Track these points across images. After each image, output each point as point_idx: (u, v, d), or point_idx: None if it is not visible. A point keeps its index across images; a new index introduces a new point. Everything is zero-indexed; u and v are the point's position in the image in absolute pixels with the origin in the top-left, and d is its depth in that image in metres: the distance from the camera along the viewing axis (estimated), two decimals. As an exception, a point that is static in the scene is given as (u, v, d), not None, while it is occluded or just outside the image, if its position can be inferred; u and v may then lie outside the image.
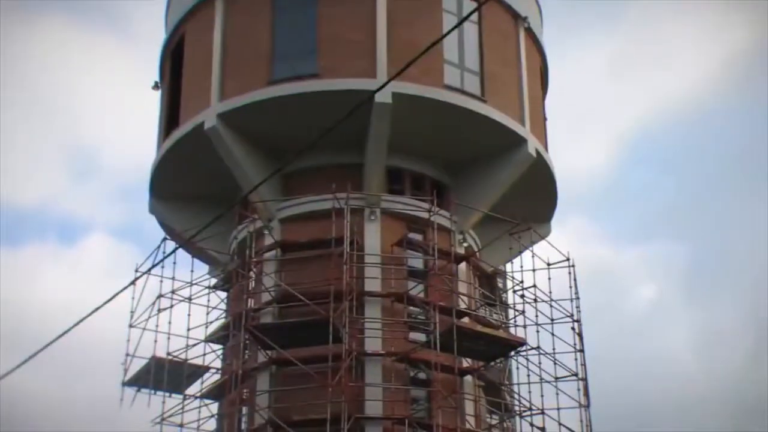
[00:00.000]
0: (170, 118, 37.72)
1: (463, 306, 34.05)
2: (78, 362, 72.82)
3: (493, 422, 35.78)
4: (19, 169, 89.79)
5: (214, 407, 35.61)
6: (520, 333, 34.54)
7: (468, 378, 33.45)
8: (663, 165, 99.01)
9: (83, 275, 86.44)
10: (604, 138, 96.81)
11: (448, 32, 34.73)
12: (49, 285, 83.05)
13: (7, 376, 16.61)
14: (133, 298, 35.07)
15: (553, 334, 34.98)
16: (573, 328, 35.47)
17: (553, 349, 34.72)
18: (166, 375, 34.72)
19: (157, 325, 34.87)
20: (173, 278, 35.58)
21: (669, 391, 73.44)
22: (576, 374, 34.55)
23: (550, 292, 35.53)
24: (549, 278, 35.75)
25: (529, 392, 33.97)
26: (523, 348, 33.89)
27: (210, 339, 35.96)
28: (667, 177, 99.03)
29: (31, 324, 71.22)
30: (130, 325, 35.11)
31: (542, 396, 33.81)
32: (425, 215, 33.93)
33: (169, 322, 34.97)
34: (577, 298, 36.00)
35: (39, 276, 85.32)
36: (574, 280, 36.02)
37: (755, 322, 75.05)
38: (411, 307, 33.27)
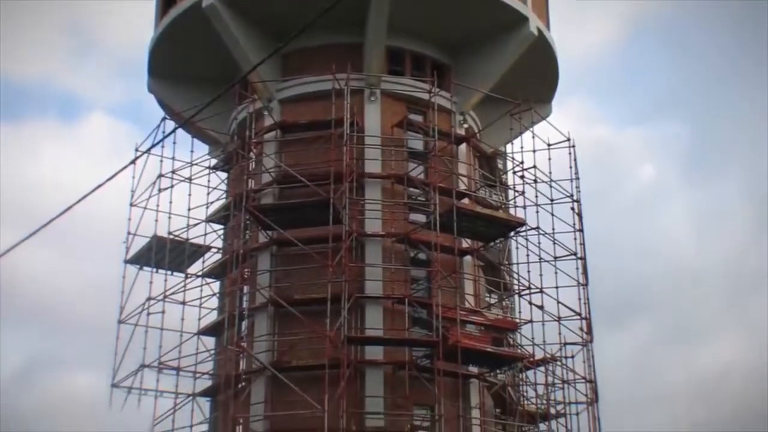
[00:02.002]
0: (168, -5, 37.18)
1: (463, 187, 34.12)
2: (80, 241, 73.39)
3: (493, 301, 36.25)
4: (19, 44, 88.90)
5: (216, 286, 36.06)
6: (519, 213, 34.73)
7: (467, 258, 33.73)
8: (665, 47, 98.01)
9: (83, 153, 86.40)
10: (607, 18, 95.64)
11: None
12: (49, 162, 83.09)
13: (8, 253, 16.65)
14: (133, 177, 35.27)
15: (552, 215, 35.19)
16: (572, 208, 35.65)
17: (553, 229, 34.98)
18: (167, 254, 35.04)
19: (157, 205, 35.08)
20: (173, 158, 35.66)
21: (668, 268, 74.18)
22: (575, 253, 34.86)
23: (550, 173, 35.65)
24: (549, 159, 35.80)
25: (528, 272, 34.35)
26: (523, 228, 34.07)
27: (211, 219, 36.18)
28: (670, 58, 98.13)
29: (32, 201, 71.55)
30: (131, 204, 35.33)
31: (541, 275, 34.21)
32: (425, 96, 33.73)
33: (170, 202, 35.20)
34: (577, 179, 36.15)
35: (40, 153, 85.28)
36: (574, 160, 36.11)
37: (753, 201, 75.46)
38: (411, 189, 33.32)
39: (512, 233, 34.25)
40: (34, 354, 77.81)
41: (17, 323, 76.64)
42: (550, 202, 35.29)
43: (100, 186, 16.67)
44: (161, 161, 35.21)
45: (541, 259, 34.29)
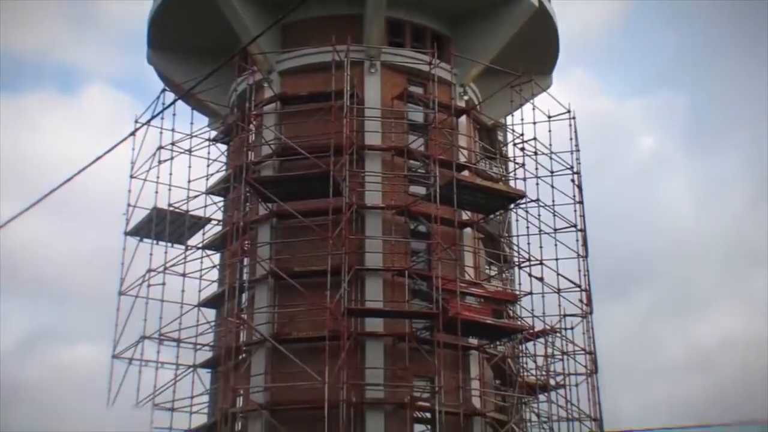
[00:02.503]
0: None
1: (463, 159, 34.11)
2: (80, 212, 73.45)
3: (492, 273, 36.30)
4: (18, 15, 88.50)
5: (216, 258, 36.13)
6: (519, 185, 34.71)
7: (467, 230, 33.75)
8: (666, 18, 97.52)
9: (83, 125, 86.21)
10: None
11: None
12: (49, 134, 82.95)
13: (8, 224, 16.64)
14: (133, 149, 35.29)
15: (552, 187, 35.19)
16: (572, 180, 35.65)
17: (553, 201, 35.02)
18: (167, 226, 35.08)
19: (157, 177, 35.13)
20: (173, 130, 35.67)
21: (668, 240, 74.24)
22: (575, 225, 34.88)
23: (551, 145, 35.63)
24: (549, 131, 35.77)
25: (528, 244, 34.36)
26: (523, 200, 34.07)
27: (211, 191, 36.19)
28: (670, 30, 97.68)
29: (31, 173, 71.51)
30: (131, 176, 35.36)
31: (541, 247, 34.23)
32: (426, 68, 33.63)
33: (170, 174, 35.25)
34: (577, 150, 36.13)
35: (39, 125, 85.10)
36: (575, 132, 36.09)
37: (754, 172, 75.38)
38: (411, 161, 33.33)
39: (512, 205, 34.26)
40: (34, 325, 78.03)
41: (18, 294, 76.82)
42: (550, 174, 35.31)
43: (99, 158, 16.64)
44: (161, 133, 35.29)
45: (540, 231, 34.33)
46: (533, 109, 35.85)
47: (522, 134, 35.62)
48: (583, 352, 33.84)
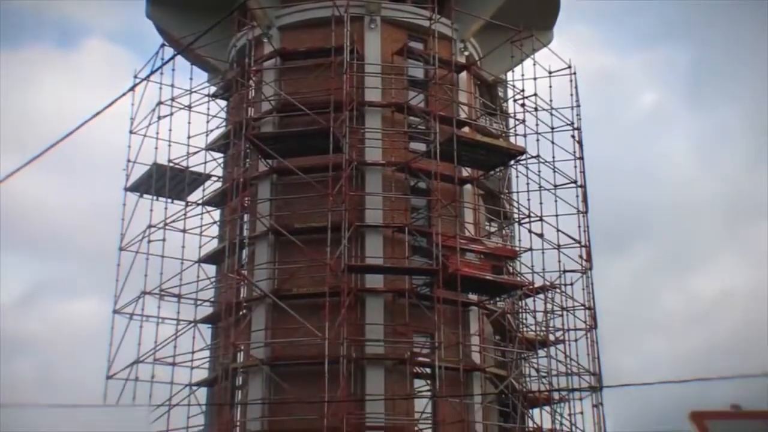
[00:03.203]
0: None
1: (463, 115, 34.01)
2: (80, 168, 73.35)
3: (492, 230, 36.35)
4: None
5: (216, 214, 36.16)
6: (520, 142, 34.69)
7: (467, 187, 33.73)
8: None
9: (82, 80, 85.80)
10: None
11: None
12: (47, 89, 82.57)
13: (8, 179, 16.61)
14: (132, 104, 35.19)
15: (552, 143, 35.14)
16: (573, 136, 35.60)
17: (553, 157, 34.96)
18: (167, 182, 35.07)
19: (157, 132, 35.05)
20: (172, 85, 35.53)
21: (668, 195, 74.30)
22: (575, 181, 34.87)
23: (551, 101, 35.55)
24: (550, 86, 35.63)
25: (528, 200, 34.39)
26: (523, 156, 34.02)
27: (210, 147, 36.13)
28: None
29: (30, 129, 71.30)
30: (131, 132, 35.27)
31: (541, 203, 34.27)
32: (426, 23, 33.43)
33: (170, 130, 35.14)
34: (578, 106, 36.03)
35: (37, 80, 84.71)
36: (575, 87, 35.96)
37: (755, 128, 75.19)
38: (411, 117, 33.20)
39: (512, 162, 34.23)
40: (34, 279, 78.29)
41: (18, 249, 76.97)
42: (550, 130, 35.24)
43: (98, 113, 16.57)
44: (160, 88, 35.15)
45: (541, 187, 34.33)
46: (534, 64, 35.76)
47: (522, 90, 35.56)
48: (582, 307, 33.98)
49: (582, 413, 32.82)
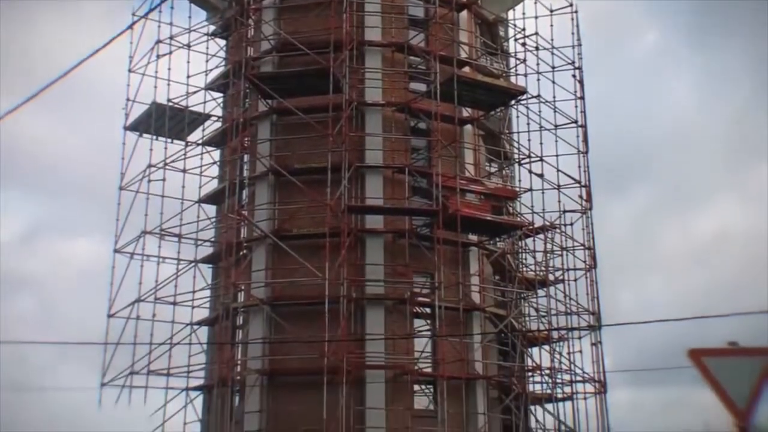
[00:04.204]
0: None
1: (463, 55, 33.77)
2: (80, 107, 73.13)
3: (493, 170, 36.30)
4: None
5: (216, 154, 36.11)
6: (520, 81, 34.60)
7: (468, 127, 33.62)
8: None
9: (80, 18, 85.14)
10: None
11: None
12: (46, 28, 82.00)
13: (8, 118, 16.57)
14: (131, 42, 34.96)
15: (553, 82, 35.04)
16: (574, 76, 35.45)
17: (554, 97, 34.89)
18: (167, 121, 34.95)
19: (156, 72, 34.90)
20: (171, 24, 35.29)
21: (669, 135, 74.10)
22: (575, 121, 34.79)
23: (552, 40, 35.35)
24: (551, 25, 35.41)
25: (529, 140, 34.40)
26: (524, 96, 33.87)
27: (210, 87, 35.98)
28: None
29: (29, 67, 70.94)
30: (130, 70, 35.08)
31: (541, 144, 34.29)
32: (426, -39, 33.13)
33: (169, 69, 34.95)
34: (579, 45, 35.83)
35: (36, 18, 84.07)
36: (577, 26, 35.75)
37: (755, 66, 74.83)
38: (411, 57, 32.99)
39: (513, 102, 34.08)
40: (34, 218, 78.42)
41: (18, 187, 77.04)
42: (551, 69, 35.09)
43: (97, 51, 16.45)
44: (159, 27, 34.95)
45: (541, 127, 34.27)
46: (535, 3, 35.56)
47: (523, 29, 35.33)
48: (582, 247, 34.08)
49: (581, 352, 33.10)
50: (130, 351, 32.09)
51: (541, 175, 33.94)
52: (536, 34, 35.00)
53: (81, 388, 39.84)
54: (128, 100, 34.97)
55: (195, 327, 33.32)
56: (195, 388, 33.02)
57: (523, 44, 34.99)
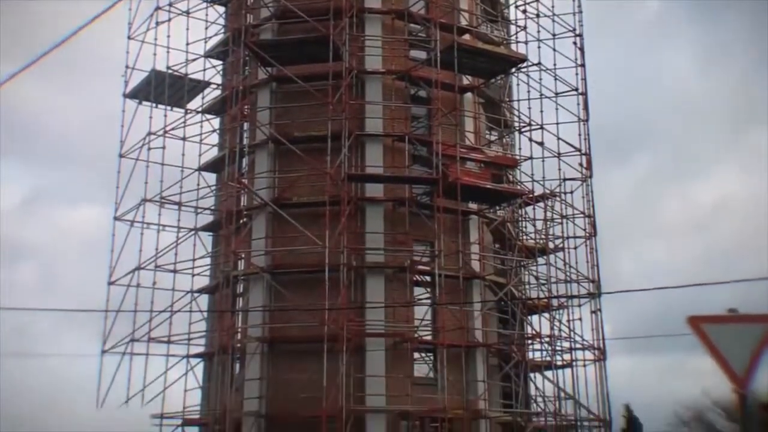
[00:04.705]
0: None
1: (464, 22, 33.63)
2: (79, 75, 72.93)
3: (493, 138, 36.22)
4: None
5: (216, 122, 36.03)
6: (521, 49, 34.38)
7: (468, 95, 33.53)
8: None
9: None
10: None
11: None
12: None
13: (7, 85, 16.51)
14: (130, 9, 34.82)
15: (554, 50, 34.84)
16: (575, 43, 35.29)
17: (554, 64, 34.70)
18: (166, 89, 34.84)
19: (155, 39, 34.76)
20: (170, -10, 35.08)
21: (669, 102, 73.98)
22: (576, 89, 34.66)
23: (553, 7, 35.18)
24: (553, -8, 35.18)
25: (529, 108, 34.28)
26: (524, 64, 33.73)
27: (209, 54, 35.85)
28: None
29: (28, 34, 70.70)
30: (129, 37, 34.96)
31: (542, 111, 34.14)
32: (426, -73, 32.89)
33: (168, 36, 34.84)
34: (580, 12, 35.66)
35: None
36: (578, -8, 35.49)
37: (757, 33, 74.56)
38: (412, 24, 32.84)
39: (513, 69, 33.97)
40: (35, 185, 78.49)
41: (18, 155, 77.00)
42: (552, 37, 34.92)
43: (96, 17, 16.40)
44: (158, -7, 34.73)
45: (542, 95, 34.16)
46: (536, -30, 35.23)
47: (525, -5, 35.10)
48: (582, 215, 34.05)
49: (581, 320, 33.14)
50: (131, 318, 32.20)
51: (541, 143, 33.89)
52: (537, 1, 34.84)
53: (82, 355, 40.05)
54: (127, 67, 34.93)
55: (195, 295, 33.40)
56: (195, 356, 33.15)
57: (524, 11, 34.82)
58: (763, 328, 8.23)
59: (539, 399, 32.43)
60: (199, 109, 35.89)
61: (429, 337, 30.10)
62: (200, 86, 36.11)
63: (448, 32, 31.68)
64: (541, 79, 34.13)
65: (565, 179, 33.92)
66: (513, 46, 35.04)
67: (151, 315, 32.13)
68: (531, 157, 34.09)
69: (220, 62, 36.31)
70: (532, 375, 32.74)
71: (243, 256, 31.25)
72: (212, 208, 34.94)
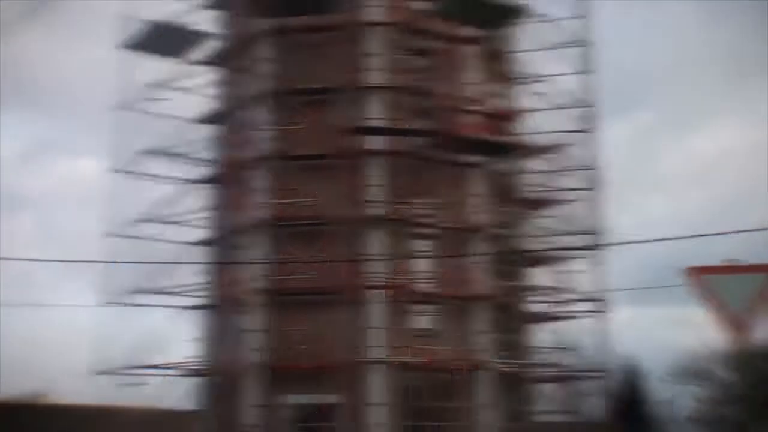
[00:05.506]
0: None
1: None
2: (77, 25, 72.42)
3: (495, 91, 35.88)
4: None
5: (215, 74, 35.67)
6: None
7: (470, 47, 33.16)
8: None
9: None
10: None
11: None
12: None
13: (6, 39, 16.41)
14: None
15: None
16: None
17: (558, 16, 34.29)
18: (165, 40, 34.50)
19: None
20: (169, -60, 34.68)
21: (670, 54, 73.53)
22: (579, 41, 34.26)
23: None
24: (556, -57, 34.72)
25: (533, 60, 33.96)
26: (527, 16, 33.40)
27: (209, 5, 35.43)
28: None
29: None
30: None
31: (545, 64, 33.79)
32: None
33: (167, -13, 34.43)
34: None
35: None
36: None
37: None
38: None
39: (516, 21, 33.62)
40: (33, 136, 78.35)
41: (17, 106, 76.78)
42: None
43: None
44: (156, -57, 34.31)
45: (545, 48, 33.80)
46: None
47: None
48: (584, 167, 33.83)
49: (582, 271, 33.06)
50: (131, 270, 32.12)
51: (543, 96, 33.61)
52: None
53: (81, 305, 40.12)
54: (125, 17, 34.49)
55: (196, 246, 33.32)
56: (196, 307, 33.14)
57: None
58: (763, 278, 8.18)
59: (540, 351, 32.55)
60: (199, 61, 35.47)
61: (430, 290, 30.02)
62: (199, 37, 35.71)
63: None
64: (544, 31, 33.76)
65: (567, 131, 33.63)
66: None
67: (151, 267, 32.03)
68: (533, 109, 33.85)
69: (220, 11, 35.87)
70: (533, 326, 32.80)
71: (244, 208, 31.11)
72: (213, 160, 34.68)
